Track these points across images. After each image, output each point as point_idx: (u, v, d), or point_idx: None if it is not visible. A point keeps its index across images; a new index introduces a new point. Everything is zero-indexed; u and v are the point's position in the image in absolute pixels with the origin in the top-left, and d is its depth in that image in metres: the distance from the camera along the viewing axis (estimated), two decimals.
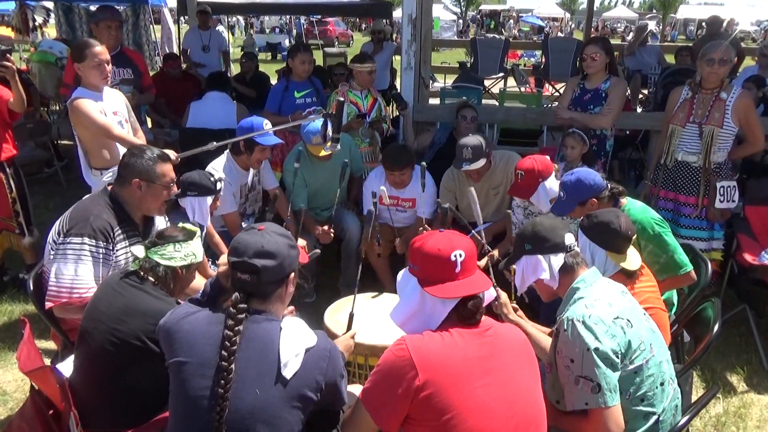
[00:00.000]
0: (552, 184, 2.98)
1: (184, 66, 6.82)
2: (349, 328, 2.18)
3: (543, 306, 2.51)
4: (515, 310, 2.24)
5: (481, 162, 3.33)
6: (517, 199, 3.32)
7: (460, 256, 1.58)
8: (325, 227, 3.39)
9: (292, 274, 1.68)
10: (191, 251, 2.05)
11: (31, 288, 2.37)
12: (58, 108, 7.29)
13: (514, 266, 2.05)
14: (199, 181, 2.94)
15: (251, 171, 3.55)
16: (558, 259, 1.90)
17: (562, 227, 1.96)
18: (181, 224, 2.14)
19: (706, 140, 3.33)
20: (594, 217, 2.18)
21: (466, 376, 1.49)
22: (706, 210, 3.44)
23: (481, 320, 1.59)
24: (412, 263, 1.65)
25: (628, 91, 5.55)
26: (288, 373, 1.53)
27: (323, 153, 3.45)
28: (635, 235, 2.20)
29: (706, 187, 3.40)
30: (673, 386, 1.87)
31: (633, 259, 2.17)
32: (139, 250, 2.01)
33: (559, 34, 24.17)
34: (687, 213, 3.50)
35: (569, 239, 1.93)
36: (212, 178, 3.00)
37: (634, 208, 2.63)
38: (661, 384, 1.79)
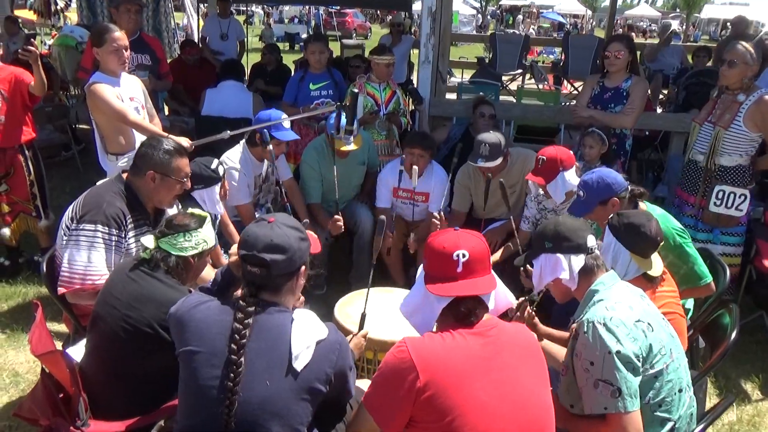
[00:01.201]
0: (571, 177, 2.95)
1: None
2: (361, 327, 2.17)
3: (555, 308, 2.47)
4: (531, 318, 2.16)
5: (497, 161, 3.29)
6: (531, 191, 3.28)
7: (464, 256, 1.57)
8: (336, 216, 3.37)
9: (303, 267, 1.67)
10: (202, 238, 2.03)
11: (44, 271, 2.38)
12: (77, 92, 7.35)
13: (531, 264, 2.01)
14: (199, 173, 2.85)
15: (266, 162, 3.55)
16: (579, 260, 1.86)
17: (585, 228, 1.92)
18: (190, 210, 2.12)
19: (711, 141, 3.29)
20: (625, 217, 2.14)
21: (468, 376, 1.47)
22: (702, 212, 3.38)
23: (478, 322, 1.57)
24: (424, 257, 1.67)
25: (649, 90, 5.45)
26: (299, 365, 1.53)
27: (344, 148, 3.42)
28: (662, 242, 2.16)
29: (705, 188, 3.34)
30: (689, 393, 1.83)
31: (656, 266, 2.12)
32: (149, 240, 1.99)
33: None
34: (686, 212, 3.47)
35: (591, 241, 1.89)
36: (211, 166, 2.92)
37: (655, 215, 2.54)
38: (680, 390, 1.76)
